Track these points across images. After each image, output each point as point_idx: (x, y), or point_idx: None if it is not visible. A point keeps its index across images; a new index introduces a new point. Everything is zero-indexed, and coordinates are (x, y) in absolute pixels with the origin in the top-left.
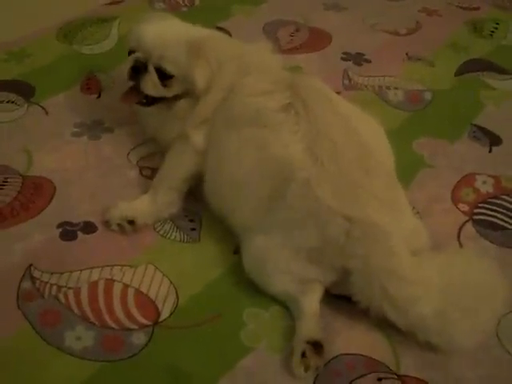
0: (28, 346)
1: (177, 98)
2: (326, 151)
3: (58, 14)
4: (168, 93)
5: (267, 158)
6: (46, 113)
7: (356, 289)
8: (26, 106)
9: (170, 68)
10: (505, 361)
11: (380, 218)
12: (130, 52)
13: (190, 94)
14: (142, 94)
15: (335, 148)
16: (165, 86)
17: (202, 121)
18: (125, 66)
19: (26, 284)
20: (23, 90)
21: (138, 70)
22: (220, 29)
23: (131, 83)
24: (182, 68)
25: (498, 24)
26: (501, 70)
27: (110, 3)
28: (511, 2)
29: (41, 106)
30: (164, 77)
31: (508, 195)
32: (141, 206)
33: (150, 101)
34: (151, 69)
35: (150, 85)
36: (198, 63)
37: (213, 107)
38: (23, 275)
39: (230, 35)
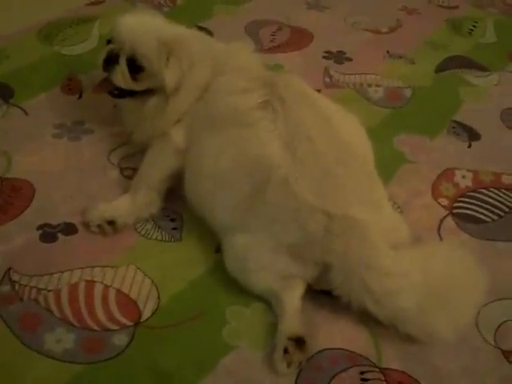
0: (7, 350)
1: (149, 93)
2: (304, 148)
3: (38, 15)
4: (137, 86)
5: (245, 157)
6: (26, 114)
7: (337, 284)
8: (5, 107)
9: (140, 61)
10: (484, 351)
11: (359, 213)
12: (109, 42)
13: (161, 91)
14: (114, 85)
15: (313, 145)
16: (135, 79)
17: (175, 120)
18: (100, 56)
19: (5, 288)
20: (2, 92)
21: (111, 61)
22: (201, 28)
23: (105, 74)
24: (153, 63)
25: (476, 22)
26: (480, 67)
27: (91, 3)
28: (489, 0)
29: (20, 108)
30: (134, 70)
31: (486, 189)
32: (120, 207)
33: (121, 93)
34: (122, 61)
35: (120, 76)
36: (169, 61)
37: (185, 107)
38: (2, 279)
39: (212, 35)
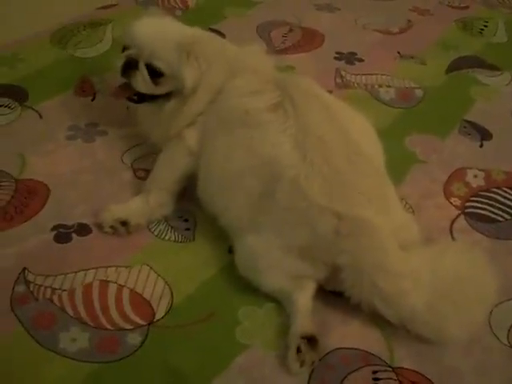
0: (22, 349)
1: (167, 97)
2: (315, 149)
3: (51, 19)
4: (158, 90)
5: (256, 157)
6: (40, 116)
7: (347, 284)
8: (19, 109)
9: (160, 66)
10: (497, 350)
11: (368, 214)
12: (124, 48)
13: (179, 93)
14: (133, 90)
15: (324, 146)
16: (155, 83)
17: (191, 121)
18: (118, 63)
19: (20, 287)
20: (17, 94)
21: (129, 67)
22: (214, 31)
23: (124, 80)
24: (172, 66)
25: (487, 22)
26: (491, 67)
27: (104, 7)
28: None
29: (35, 110)
30: (154, 74)
31: (499, 188)
32: (133, 207)
33: (141, 98)
34: (142, 66)
35: (140, 81)
36: (187, 63)
37: (200, 108)
38: (17, 279)
39: (224, 37)
